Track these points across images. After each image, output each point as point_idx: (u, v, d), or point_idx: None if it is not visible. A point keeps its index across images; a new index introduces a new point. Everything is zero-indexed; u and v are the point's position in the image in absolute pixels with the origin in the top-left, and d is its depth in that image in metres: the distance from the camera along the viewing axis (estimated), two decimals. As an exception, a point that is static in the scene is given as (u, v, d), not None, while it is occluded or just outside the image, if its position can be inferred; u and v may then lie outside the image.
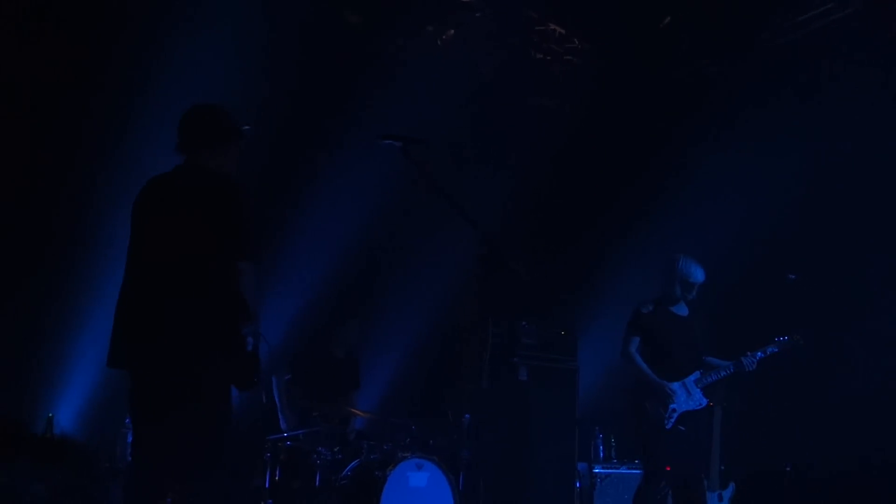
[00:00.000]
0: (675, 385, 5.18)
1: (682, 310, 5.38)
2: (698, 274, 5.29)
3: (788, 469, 6.22)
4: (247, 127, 3.71)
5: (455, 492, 5.44)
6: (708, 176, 6.78)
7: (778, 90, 6.68)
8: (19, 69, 5.21)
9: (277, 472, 5.40)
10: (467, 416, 5.76)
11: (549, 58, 7.35)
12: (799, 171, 6.45)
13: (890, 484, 5.82)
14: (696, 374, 5.25)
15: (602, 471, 6.03)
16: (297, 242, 6.40)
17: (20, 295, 5.18)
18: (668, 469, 5.15)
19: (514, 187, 7.35)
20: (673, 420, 5.12)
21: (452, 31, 7.05)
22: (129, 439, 4.77)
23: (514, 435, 5.90)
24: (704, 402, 5.23)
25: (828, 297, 6.24)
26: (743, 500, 5.79)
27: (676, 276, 5.28)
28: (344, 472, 5.47)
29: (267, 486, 5.37)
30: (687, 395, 5.18)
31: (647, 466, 5.30)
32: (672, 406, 5.12)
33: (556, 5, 7.03)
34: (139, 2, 5.75)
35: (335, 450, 5.51)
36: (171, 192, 3.47)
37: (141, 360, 3.31)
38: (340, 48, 6.60)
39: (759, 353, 5.29)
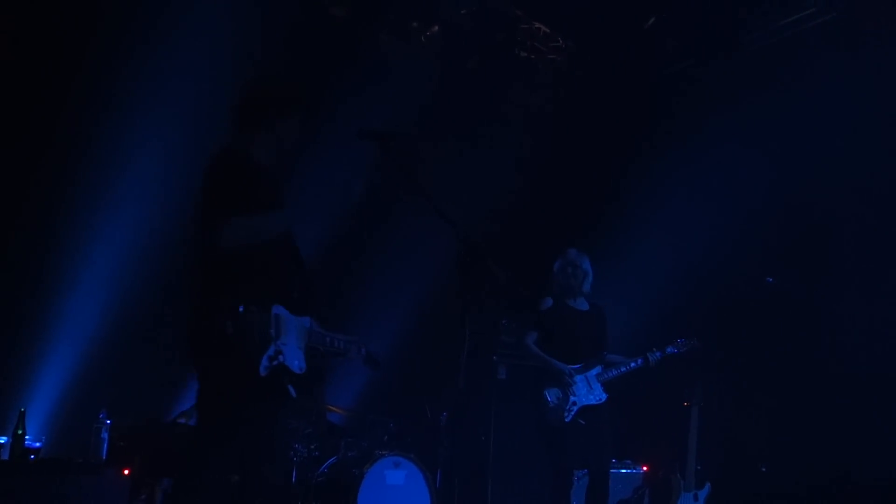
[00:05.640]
0: (578, 378, 5.13)
1: (582, 304, 5.37)
2: (576, 260, 5.32)
3: (764, 470, 6.26)
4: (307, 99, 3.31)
5: (432, 490, 5.43)
6: (688, 176, 6.80)
7: (761, 92, 6.70)
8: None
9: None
10: (445, 413, 5.75)
11: (533, 56, 7.34)
12: (779, 172, 6.49)
13: (863, 488, 5.86)
14: (598, 369, 5.22)
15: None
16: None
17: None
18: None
19: (495, 185, 7.32)
20: (573, 413, 5.05)
21: (437, 28, 7.02)
22: (103, 435, 4.74)
23: (492, 433, 5.89)
24: (604, 396, 5.15)
25: (804, 302, 6.27)
26: (718, 501, 5.81)
27: (561, 267, 5.34)
28: (321, 469, 5.44)
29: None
30: (588, 389, 5.13)
31: (555, 462, 5.10)
32: (573, 399, 5.06)
33: (542, 4, 7.03)
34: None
35: (312, 447, 5.47)
36: None
37: None
38: (324, 42, 6.54)
39: (658, 353, 5.30)
